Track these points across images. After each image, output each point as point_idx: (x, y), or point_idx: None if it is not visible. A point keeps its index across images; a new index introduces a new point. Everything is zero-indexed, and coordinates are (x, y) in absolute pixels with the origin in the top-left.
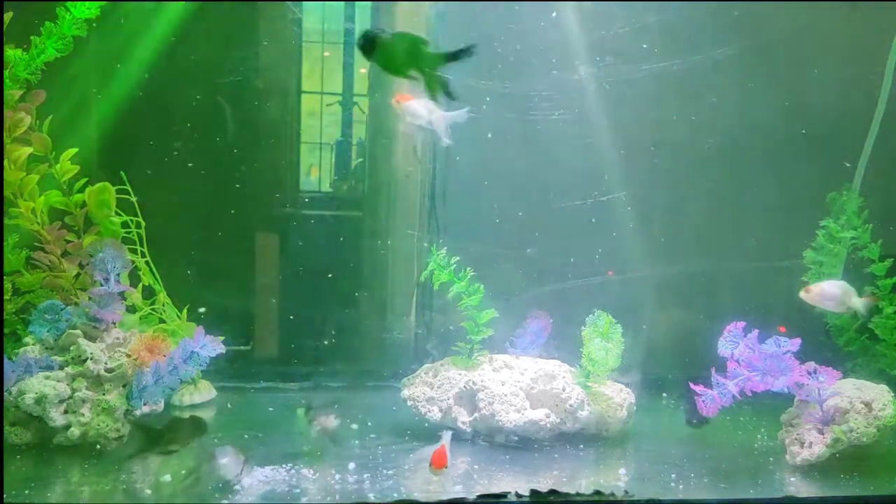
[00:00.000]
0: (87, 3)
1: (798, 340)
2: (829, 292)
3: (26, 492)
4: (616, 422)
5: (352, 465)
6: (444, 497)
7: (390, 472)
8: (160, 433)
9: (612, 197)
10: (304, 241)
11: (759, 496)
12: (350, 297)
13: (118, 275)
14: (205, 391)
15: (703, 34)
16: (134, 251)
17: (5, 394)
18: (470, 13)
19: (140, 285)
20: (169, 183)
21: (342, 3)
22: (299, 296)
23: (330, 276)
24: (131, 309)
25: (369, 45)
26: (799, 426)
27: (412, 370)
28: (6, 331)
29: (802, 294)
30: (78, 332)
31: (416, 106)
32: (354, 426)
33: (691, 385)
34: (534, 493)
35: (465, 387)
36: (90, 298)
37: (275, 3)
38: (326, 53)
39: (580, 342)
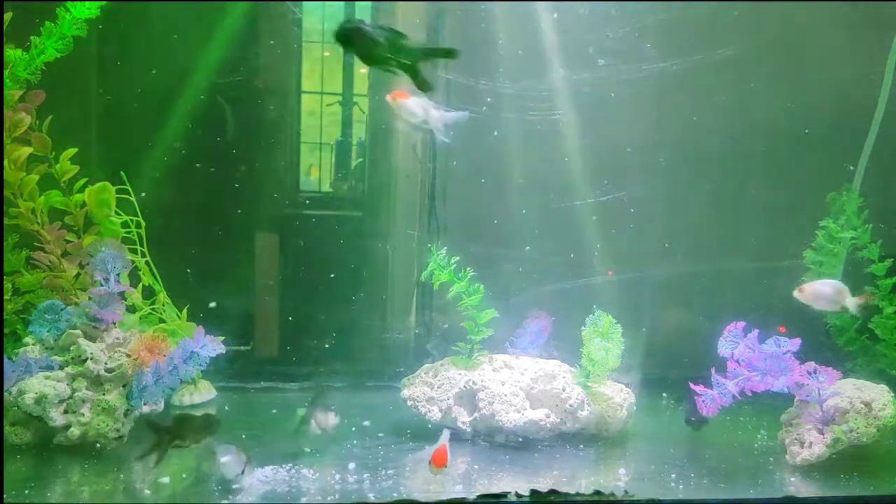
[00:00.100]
0: (87, 3)
1: (798, 340)
2: (822, 292)
3: (26, 492)
4: (616, 422)
5: (352, 465)
6: (444, 497)
7: (390, 471)
8: (170, 430)
9: (612, 197)
10: (304, 241)
11: (759, 496)
12: (350, 297)
13: (118, 275)
14: (205, 391)
15: (702, 34)
16: (134, 251)
17: (5, 394)
18: (470, 13)
19: (140, 285)
20: (169, 183)
21: (342, 3)
22: (299, 296)
23: (330, 276)
24: (131, 309)
25: (346, 37)
26: (799, 426)
27: (412, 370)
28: (6, 331)
29: (796, 293)
30: (78, 332)
31: (412, 104)
32: (355, 427)
33: (691, 385)
34: (534, 493)
35: (465, 387)
36: (90, 298)
37: (275, 3)
38: (326, 53)
39: (580, 342)
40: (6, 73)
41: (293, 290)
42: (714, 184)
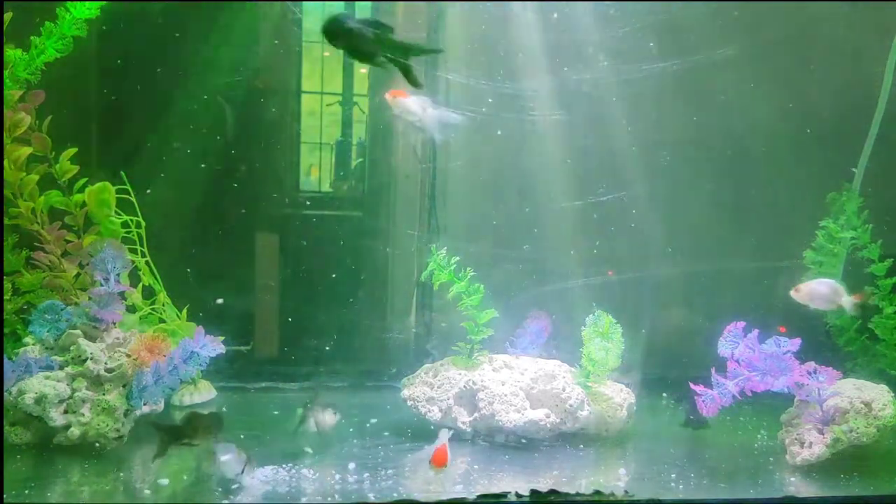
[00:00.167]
0: (87, 3)
1: (798, 340)
2: (818, 291)
3: (26, 492)
4: (616, 422)
5: (352, 465)
6: (444, 497)
7: (390, 471)
8: (178, 429)
9: (612, 197)
10: (304, 241)
11: (759, 496)
12: (350, 297)
13: (118, 275)
14: (205, 391)
15: (702, 34)
16: (134, 251)
17: (5, 394)
18: (470, 13)
19: (140, 285)
20: (169, 183)
21: (342, 3)
22: (299, 296)
23: (330, 276)
24: (131, 309)
25: (333, 32)
26: (799, 426)
27: (412, 370)
28: (6, 331)
29: (792, 293)
30: (78, 332)
31: (409, 102)
32: (355, 427)
33: (691, 385)
34: (534, 493)
35: (465, 387)
36: (90, 298)
37: (275, 3)
38: (326, 53)
39: (580, 342)
40: (6, 73)
41: (293, 290)
42: (714, 184)
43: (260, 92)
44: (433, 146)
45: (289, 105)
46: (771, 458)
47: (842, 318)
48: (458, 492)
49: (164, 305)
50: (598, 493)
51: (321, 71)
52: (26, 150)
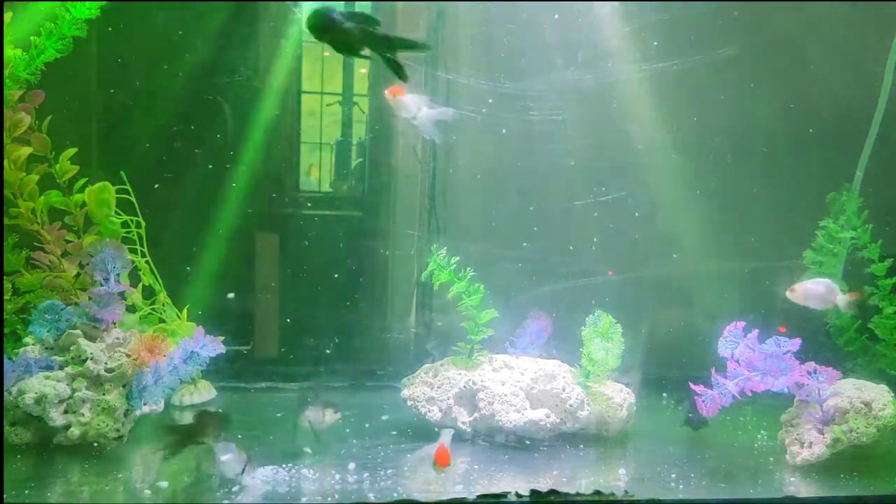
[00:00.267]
0: (87, 3)
1: (798, 340)
2: (814, 291)
3: (26, 492)
4: (616, 422)
5: (352, 465)
6: (444, 497)
7: (390, 471)
8: (186, 429)
9: (612, 197)
10: (304, 241)
11: (759, 496)
12: (350, 297)
13: (118, 275)
14: (204, 391)
15: (702, 34)
16: (134, 251)
17: (5, 394)
18: (470, 13)
19: (140, 285)
20: (168, 183)
21: (342, 3)
22: (299, 296)
23: (330, 276)
24: (131, 309)
25: (318, 25)
26: (799, 426)
27: (412, 370)
28: (6, 331)
29: (788, 294)
30: (78, 332)
31: (406, 100)
32: (355, 428)
33: (691, 385)
34: (534, 493)
35: (465, 387)
36: (90, 298)
37: (275, 3)
38: (326, 53)
39: (580, 342)
40: (6, 73)
41: (293, 290)
42: (714, 184)
43: (260, 92)
44: (433, 146)
45: (289, 105)
46: (771, 458)
47: (842, 318)
48: (458, 492)
49: (164, 305)
50: (598, 493)
51: (321, 71)
52: (26, 150)
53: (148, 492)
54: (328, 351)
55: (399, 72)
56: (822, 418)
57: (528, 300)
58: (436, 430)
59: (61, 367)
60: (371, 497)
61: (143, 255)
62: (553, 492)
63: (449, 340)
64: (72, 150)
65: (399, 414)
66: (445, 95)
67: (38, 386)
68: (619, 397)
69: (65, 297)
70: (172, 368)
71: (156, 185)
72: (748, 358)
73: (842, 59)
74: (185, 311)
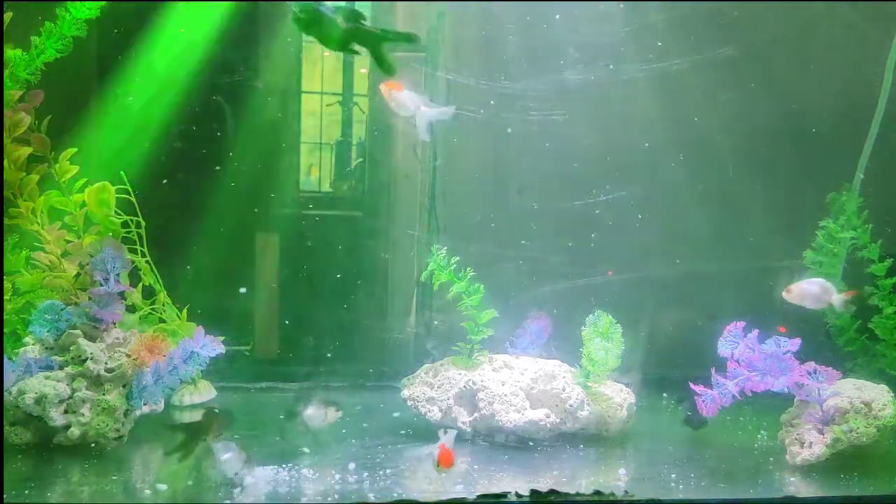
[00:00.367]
0: (87, 3)
1: (798, 340)
2: (809, 291)
3: (26, 492)
4: (616, 422)
5: (352, 465)
6: (444, 497)
7: (389, 471)
8: (192, 427)
9: (612, 197)
10: (304, 241)
11: (759, 496)
12: (350, 297)
13: (118, 275)
14: (204, 391)
15: (702, 34)
16: (134, 251)
17: (5, 394)
18: (470, 13)
19: (140, 285)
20: (168, 183)
21: (342, 3)
22: (299, 296)
23: (330, 276)
24: (131, 309)
25: (303, 18)
26: (799, 426)
27: (412, 370)
28: (6, 331)
29: (784, 294)
30: (78, 332)
31: (403, 97)
32: (355, 428)
33: (691, 385)
34: (534, 493)
35: (465, 387)
36: (90, 298)
37: (275, 3)
38: (326, 53)
39: (580, 342)
40: (6, 73)
41: (293, 289)
42: (714, 184)
43: (260, 92)
44: (433, 146)
45: (289, 105)
46: (771, 458)
47: (842, 318)
48: (458, 492)
49: (164, 305)
50: (598, 493)
51: (321, 71)
52: (26, 150)
53: (148, 492)
54: (328, 351)
55: (385, 66)
56: (822, 418)
57: (528, 300)
58: (440, 430)
59: (61, 367)
60: (371, 497)
61: (144, 255)
62: (553, 492)
63: (449, 340)
64: (72, 150)
65: (399, 414)
66: (445, 95)
67: (38, 386)
68: (619, 397)
69: (65, 297)
70: (172, 368)
71: (149, 187)
72: (748, 358)
73: (842, 58)
74: (185, 311)
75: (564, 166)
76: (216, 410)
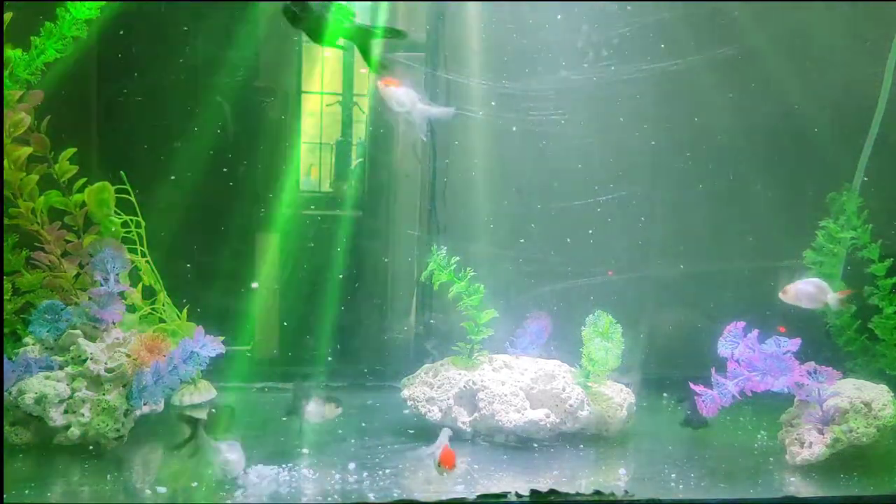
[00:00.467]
0: (87, 3)
1: (798, 340)
2: (805, 291)
3: (26, 492)
4: (616, 422)
5: (352, 465)
6: (444, 497)
7: (388, 471)
8: (205, 424)
9: (613, 197)
10: (304, 241)
11: (759, 496)
12: (350, 296)
13: (118, 275)
14: (204, 391)
15: (702, 34)
16: (134, 251)
17: (5, 394)
18: (470, 13)
19: (140, 285)
20: (168, 183)
21: (342, 3)
22: (299, 295)
23: (330, 275)
24: (131, 309)
25: (293, 13)
26: (799, 426)
27: (412, 370)
28: (6, 331)
29: (781, 296)
30: (78, 332)
31: (400, 93)
32: (354, 428)
33: (691, 385)
34: (534, 493)
35: (465, 387)
36: (90, 298)
37: (275, 3)
38: (326, 53)
39: (580, 342)
40: (6, 73)
41: (293, 289)
42: (714, 183)
43: (260, 92)
44: (433, 146)
45: (289, 105)
46: (771, 458)
47: (842, 318)
48: (458, 492)
49: (164, 305)
50: (598, 493)
51: (321, 71)
52: (26, 150)
53: (148, 492)
54: (328, 351)
55: (371, 62)
56: (822, 418)
57: (528, 300)
58: (441, 431)
59: (61, 367)
60: (371, 497)
61: (144, 255)
62: (553, 492)
63: (449, 340)
64: (71, 150)
65: (399, 414)
66: (445, 95)
67: (38, 386)
68: (619, 397)
69: (65, 297)
70: (172, 368)
71: (149, 187)
72: (748, 358)
73: (842, 59)
74: (185, 311)
75: (564, 166)
76: (218, 409)
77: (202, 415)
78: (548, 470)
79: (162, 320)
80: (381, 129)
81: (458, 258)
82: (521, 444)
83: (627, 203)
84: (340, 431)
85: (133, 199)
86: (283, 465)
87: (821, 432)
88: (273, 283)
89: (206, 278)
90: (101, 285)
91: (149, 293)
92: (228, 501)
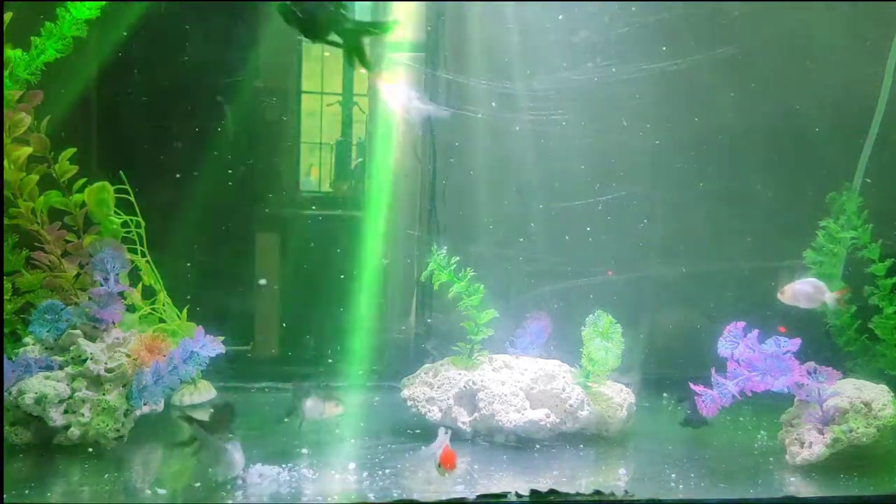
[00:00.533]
0: (87, 3)
1: (798, 340)
2: (803, 291)
3: (26, 492)
4: (616, 422)
5: (352, 465)
6: (444, 497)
7: (388, 471)
8: (206, 424)
9: (613, 197)
10: (304, 241)
11: (759, 496)
12: (350, 296)
13: (118, 275)
14: (204, 391)
15: (702, 34)
16: (134, 251)
17: (5, 394)
18: (470, 13)
19: (140, 285)
20: (168, 183)
21: (342, 3)
22: (299, 296)
23: (330, 275)
24: (131, 309)
25: (286, 9)
26: (799, 426)
27: (412, 370)
28: (6, 331)
29: (779, 296)
30: (78, 332)
31: (399, 90)
32: (353, 428)
33: (691, 385)
34: (534, 493)
35: (465, 387)
36: (90, 298)
37: (275, 3)
38: (326, 53)
39: (580, 342)
40: (6, 73)
41: (293, 289)
42: (714, 184)
43: (260, 92)
44: (433, 146)
45: (289, 105)
46: (771, 458)
47: (842, 317)
48: (458, 492)
49: (164, 305)
50: (598, 493)
51: (321, 71)
52: (26, 150)
53: (148, 492)
54: (328, 351)
55: (363, 59)
56: (821, 418)
57: (528, 300)
58: (442, 430)
59: (61, 367)
60: (371, 497)
61: (143, 255)
62: (553, 492)
63: (449, 340)
64: (71, 150)
65: (399, 414)
66: (446, 95)
67: (38, 386)
68: (619, 397)
69: (65, 297)
70: (172, 368)
71: (149, 187)
72: (748, 358)
73: (842, 59)
74: (185, 311)
75: (564, 166)
76: (220, 408)
77: (202, 415)
78: (548, 470)
79: (162, 320)
80: (380, 129)
81: (458, 258)
82: (521, 444)
83: (627, 203)
84: (338, 431)
85: (133, 199)
86: (283, 465)
87: (821, 432)
88: (273, 283)
89: (206, 278)
90: (101, 285)
91: (149, 293)
92: (229, 501)
